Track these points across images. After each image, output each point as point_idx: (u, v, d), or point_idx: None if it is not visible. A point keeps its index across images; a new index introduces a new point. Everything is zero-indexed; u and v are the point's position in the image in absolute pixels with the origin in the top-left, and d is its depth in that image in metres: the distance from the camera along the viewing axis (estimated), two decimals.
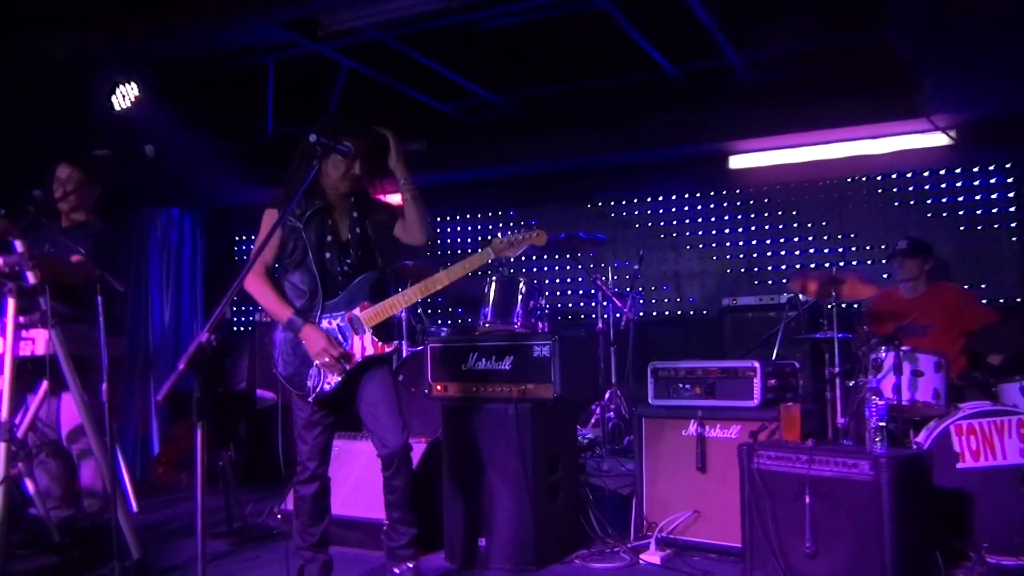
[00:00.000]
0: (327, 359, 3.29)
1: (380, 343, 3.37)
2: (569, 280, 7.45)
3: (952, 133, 6.05)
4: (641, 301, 6.84)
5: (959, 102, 5.69)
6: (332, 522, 3.57)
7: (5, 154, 5.72)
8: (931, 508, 3.50)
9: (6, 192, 4.00)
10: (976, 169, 6.20)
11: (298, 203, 3.32)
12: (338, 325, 3.38)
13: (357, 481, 4.39)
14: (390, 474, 3.41)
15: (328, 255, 3.41)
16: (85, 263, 3.96)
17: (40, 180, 4.30)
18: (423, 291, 3.43)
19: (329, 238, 3.42)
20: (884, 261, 6.32)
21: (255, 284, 3.40)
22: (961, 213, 6.22)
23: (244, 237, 8.65)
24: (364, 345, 3.36)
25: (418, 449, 4.36)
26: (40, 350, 3.75)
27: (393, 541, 3.48)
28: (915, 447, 3.92)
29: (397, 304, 3.42)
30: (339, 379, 3.34)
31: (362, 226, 3.46)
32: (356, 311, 3.38)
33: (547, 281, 7.41)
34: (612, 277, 6.34)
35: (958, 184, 6.26)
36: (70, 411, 4.01)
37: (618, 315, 6.18)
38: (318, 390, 3.36)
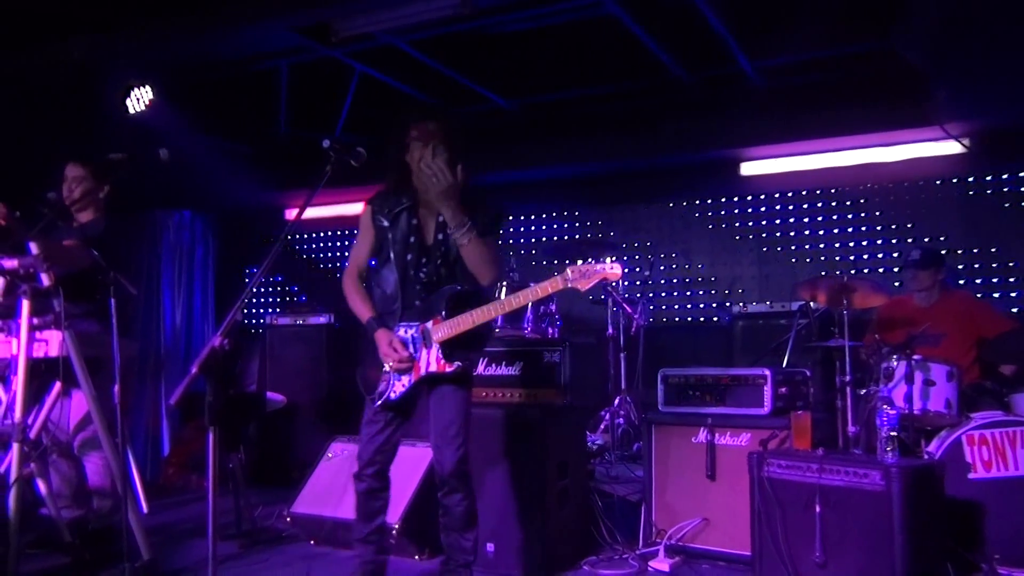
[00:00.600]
0: (391, 362, 3.26)
1: (443, 361, 3.22)
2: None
3: (965, 141, 6.03)
4: (651, 307, 6.84)
5: (973, 110, 5.67)
6: (348, 526, 3.54)
7: (21, 157, 5.78)
8: (942, 519, 3.48)
9: (21, 194, 4.04)
10: (989, 178, 6.17)
11: (387, 200, 3.31)
12: (412, 335, 3.28)
13: None
14: (442, 495, 3.34)
15: (409, 257, 3.30)
16: (77, 248, 3.94)
17: (55, 183, 4.34)
18: (496, 311, 3.26)
19: (412, 239, 3.30)
20: (896, 270, 6.31)
21: (344, 284, 3.43)
22: (973, 222, 6.19)
23: (256, 240, 8.69)
24: (428, 361, 3.25)
25: (428, 454, 4.36)
26: (53, 351, 3.77)
27: (445, 566, 3.41)
28: (926, 457, 3.90)
29: (465, 322, 3.20)
30: (404, 390, 3.28)
31: (448, 232, 3.26)
32: (429, 323, 3.25)
33: None
34: (623, 283, 6.34)
35: (971, 193, 6.23)
36: (78, 408, 4.03)
37: (628, 321, 6.18)
38: (385, 396, 3.32)
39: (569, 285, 3.16)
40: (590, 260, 3.13)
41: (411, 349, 3.27)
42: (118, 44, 5.43)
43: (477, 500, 3.64)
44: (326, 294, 8.33)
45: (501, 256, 3.29)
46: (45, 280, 3.70)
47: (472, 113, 6.98)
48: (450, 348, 3.23)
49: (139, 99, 5.79)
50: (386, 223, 3.32)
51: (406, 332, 3.29)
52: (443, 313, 3.23)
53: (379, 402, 3.33)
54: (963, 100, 5.48)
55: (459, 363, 3.21)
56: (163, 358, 7.59)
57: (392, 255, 3.32)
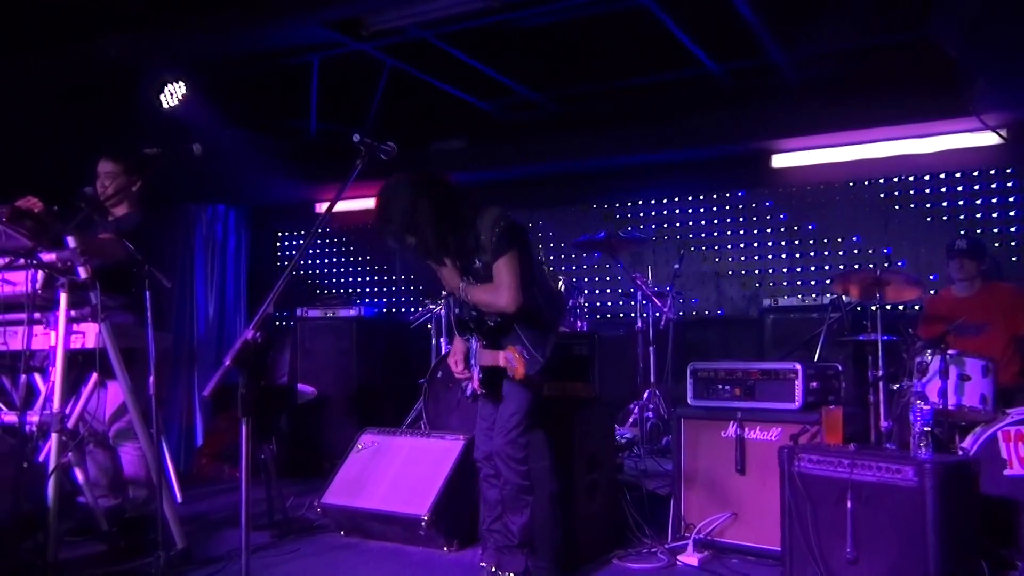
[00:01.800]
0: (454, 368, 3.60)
1: (477, 382, 3.49)
2: (609, 279, 7.42)
3: (1003, 132, 5.91)
4: (681, 301, 6.80)
5: (1010, 100, 5.56)
6: (377, 517, 3.64)
7: (57, 153, 5.88)
8: (977, 516, 3.43)
9: (58, 189, 4.11)
10: None
11: None
12: (474, 347, 3.52)
13: (396, 476, 4.43)
14: (487, 473, 3.60)
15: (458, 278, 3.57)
16: (113, 242, 4.00)
17: (90, 178, 4.41)
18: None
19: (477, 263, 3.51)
20: (930, 263, 6.22)
21: None
22: (1012, 214, 6.08)
23: (287, 233, 8.77)
24: (475, 377, 3.51)
25: (457, 446, 4.39)
26: (90, 343, 3.84)
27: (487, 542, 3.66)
28: (961, 453, 3.84)
29: (491, 359, 3.44)
30: (471, 390, 3.54)
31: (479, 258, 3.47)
32: (476, 343, 3.50)
33: (586, 280, 7.39)
34: (652, 276, 6.31)
35: (1009, 184, 6.11)
36: (114, 399, 4.10)
37: (658, 314, 6.16)
38: (466, 392, 3.61)
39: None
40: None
41: (472, 360, 3.52)
42: (152, 41, 5.50)
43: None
44: (356, 287, 8.40)
45: (509, 276, 3.35)
46: (82, 273, 3.76)
47: (501, 106, 6.98)
48: (487, 374, 3.46)
49: (173, 94, 5.87)
50: None
51: (474, 344, 3.52)
52: (484, 342, 3.46)
53: (468, 393, 3.60)
54: (1001, 90, 5.37)
55: (485, 390, 3.45)
56: (196, 350, 7.69)
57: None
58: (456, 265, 3.51)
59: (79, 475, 4.12)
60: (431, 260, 3.49)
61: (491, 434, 3.54)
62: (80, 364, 3.87)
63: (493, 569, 3.54)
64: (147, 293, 3.76)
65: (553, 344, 3.53)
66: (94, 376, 3.87)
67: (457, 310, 3.56)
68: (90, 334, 3.85)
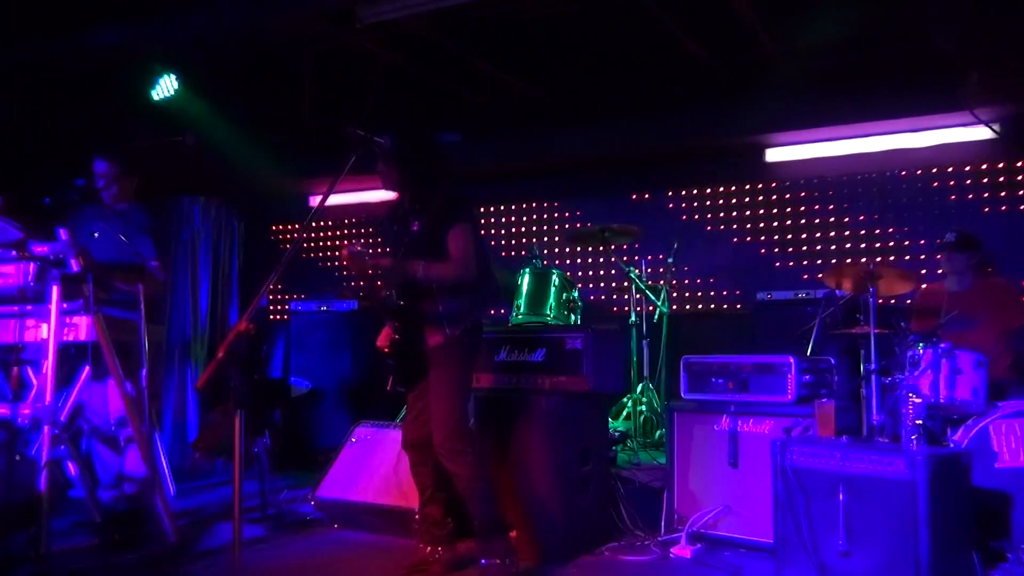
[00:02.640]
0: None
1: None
2: (602, 272, 7.43)
3: (996, 127, 5.92)
4: (675, 294, 6.80)
5: (1004, 95, 5.57)
6: (372, 511, 3.65)
7: (49, 144, 5.86)
8: (968, 508, 3.45)
9: (50, 181, 4.10)
10: (1020, 163, 6.07)
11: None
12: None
13: (390, 470, 4.43)
14: (415, 460, 3.68)
15: (390, 252, 3.62)
16: (151, 277, 4.12)
17: (82, 169, 4.39)
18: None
19: (392, 236, 3.66)
20: (923, 257, 6.23)
21: None
22: (1004, 208, 6.09)
23: (281, 227, 8.75)
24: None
25: None
26: (83, 336, 3.83)
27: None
28: (952, 446, 3.86)
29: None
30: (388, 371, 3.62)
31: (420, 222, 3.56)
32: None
33: (580, 273, 7.39)
34: (646, 270, 6.31)
35: (1001, 179, 6.13)
36: (118, 397, 4.09)
37: (651, 308, 6.16)
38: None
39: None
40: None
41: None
42: (144, 32, 5.47)
43: (499, 485, 3.67)
44: (350, 281, 8.39)
45: (468, 246, 3.48)
46: (75, 266, 3.75)
47: (496, 99, 6.97)
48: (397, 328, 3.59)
49: (165, 86, 5.84)
50: (386, 226, 3.78)
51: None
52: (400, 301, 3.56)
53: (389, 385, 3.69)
54: (994, 85, 5.38)
55: (387, 343, 3.58)
56: (189, 344, 7.67)
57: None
58: (397, 215, 3.63)
59: (71, 468, 4.11)
60: (393, 176, 3.55)
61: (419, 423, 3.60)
62: (73, 357, 3.86)
63: (482, 561, 3.53)
64: (140, 287, 3.75)
65: (473, 323, 3.60)
66: (87, 369, 3.87)
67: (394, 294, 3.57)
68: (83, 327, 3.84)
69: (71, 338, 3.81)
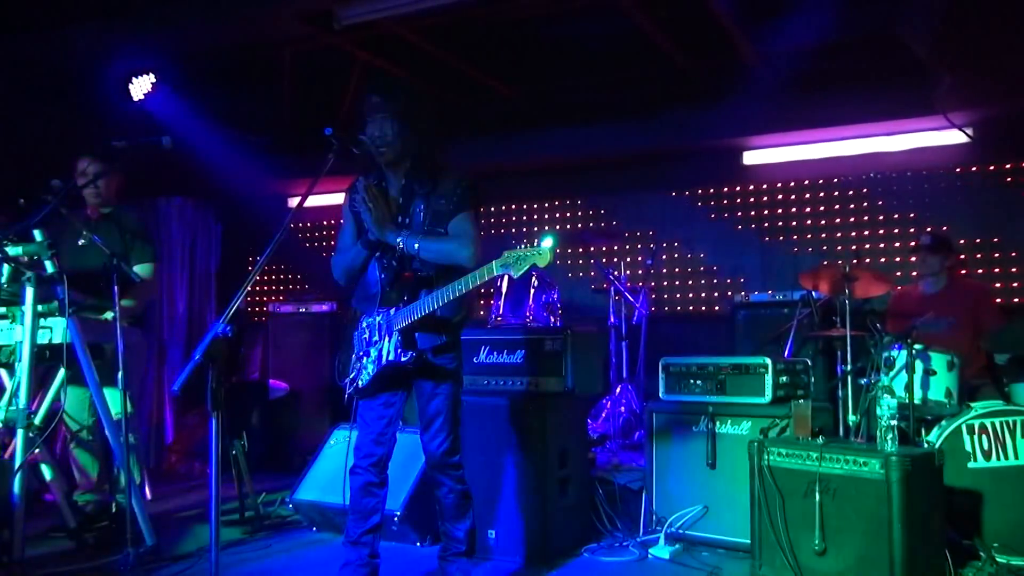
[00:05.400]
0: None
1: (399, 350, 3.10)
2: (582, 274, 7.45)
3: (969, 131, 6.01)
4: (653, 296, 6.84)
5: (976, 99, 5.65)
6: (343, 511, 3.52)
7: (25, 144, 5.79)
8: (941, 507, 3.49)
9: (26, 182, 4.05)
10: (992, 167, 6.15)
11: (357, 185, 3.26)
12: (379, 322, 3.18)
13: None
14: (432, 486, 3.35)
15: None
16: (151, 282, 4.08)
17: (59, 171, 4.34)
18: (444, 298, 3.04)
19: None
20: (898, 259, 6.30)
21: (333, 271, 3.45)
22: (977, 211, 6.18)
23: (259, 228, 8.68)
24: (389, 349, 3.13)
25: None
26: (57, 338, 3.79)
27: (443, 554, 3.37)
28: (926, 446, 3.91)
29: (420, 309, 3.08)
30: (370, 377, 3.18)
31: (411, 195, 3.19)
32: (392, 310, 3.15)
33: (559, 275, 7.41)
34: (625, 272, 6.34)
35: (973, 183, 6.21)
36: (114, 405, 4.04)
37: (631, 310, 6.19)
38: (354, 383, 3.26)
39: (500, 272, 2.96)
40: (524, 244, 3.01)
41: (376, 336, 3.18)
42: (121, 31, 5.43)
43: (479, 487, 3.65)
44: (329, 282, 8.35)
45: (474, 231, 3.15)
46: (49, 267, 3.71)
47: (473, 101, 6.97)
48: (408, 336, 3.12)
49: (142, 87, 5.80)
50: (359, 208, 3.23)
51: (375, 318, 3.20)
52: (404, 298, 3.13)
53: (349, 389, 3.27)
54: (967, 89, 5.46)
55: (412, 352, 3.10)
56: (166, 345, 7.61)
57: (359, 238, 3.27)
58: (396, 193, 3.24)
59: (46, 472, 4.07)
60: (390, 157, 3.16)
61: (384, 438, 3.23)
62: (48, 359, 3.82)
63: None
64: (115, 288, 3.72)
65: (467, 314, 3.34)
66: (62, 371, 3.83)
67: (394, 257, 3.16)
68: (58, 329, 3.80)
69: (46, 340, 3.78)
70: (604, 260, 6.80)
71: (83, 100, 5.95)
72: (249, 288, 2.74)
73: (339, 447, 4.67)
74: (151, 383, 7.40)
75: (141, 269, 4.38)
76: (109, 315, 3.94)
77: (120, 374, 3.71)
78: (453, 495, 3.27)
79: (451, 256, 3.11)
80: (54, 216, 3.92)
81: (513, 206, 7.72)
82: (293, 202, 8.28)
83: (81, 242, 4.01)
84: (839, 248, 6.55)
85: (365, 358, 3.22)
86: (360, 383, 3.23)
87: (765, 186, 6.86)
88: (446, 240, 3.14)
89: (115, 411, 3.99)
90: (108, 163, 4.35)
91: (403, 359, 3.11)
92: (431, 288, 3.11)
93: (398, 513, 4.09)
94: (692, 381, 4.34)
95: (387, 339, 3.15)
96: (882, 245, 6.44)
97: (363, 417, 3.30)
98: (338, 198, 7.82)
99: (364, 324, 3.25)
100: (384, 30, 5.48)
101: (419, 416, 3.28)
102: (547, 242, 3.12)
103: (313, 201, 7.77)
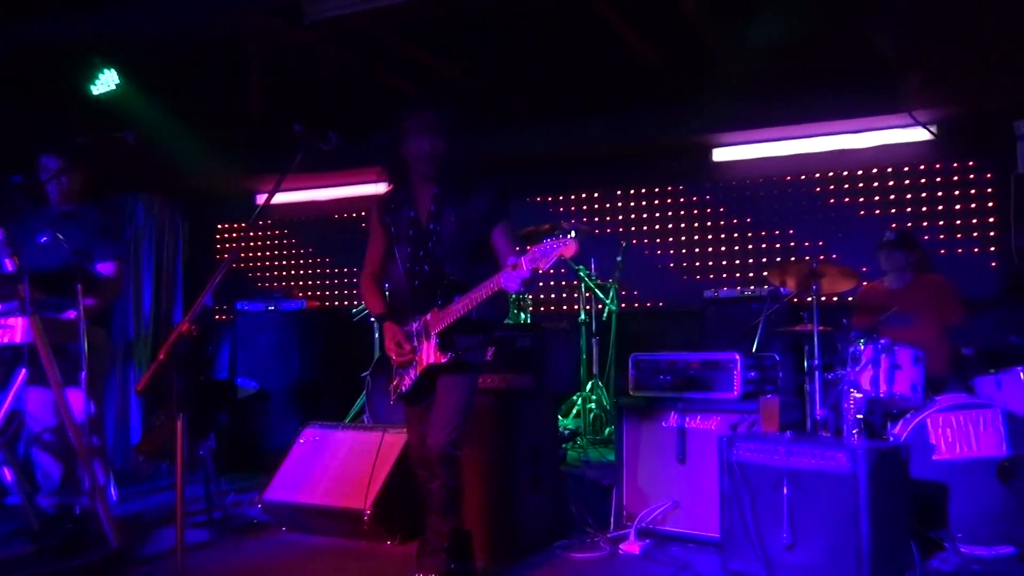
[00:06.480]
0: (394, 356, 3.32)
1: (438, 352, 3.22)
2: (552, 271, 7.41)
3: (933, 128, 6.09)
4: (623, 292, 6.86)
5: (941, 98, 5.73)
6: (320, 512, 3.52)
7: None
8: (907, 499, 3.54)
9: None
10: (956, 165, 6.25)
11: (389, 198, 3.39)
12: (416, 329, 3.30)
13: (339, 471, 4.39)
14: (424, 479, 3.36)
15: (410, 250, 3.33)
16: (116, 280, 4.04)
17: (21, 167, 4.26)
18: (476, 297, 3.14)
19: (411, 232, 3.33)
20: (864, 256, 6.38)
21: (361, 285, 3.55)
22: (941, 208, 6.27)
23: (226, 225, 8.60)
24: (428, 352, 3.26)
25: (400, 440, 4.35)
26: (19, 338, 3.72)
27: (422, 548, 3.42)
28: (892, 439, 3.96)
29: (455, 311, 3.18)
30: (411, 383, 3.32)
31: (441, 206, 3.28)
32: (428, 315, 3.26)
33: None
34: (594, 269, 6.35)
35: (938, 180, 6.30)
36: (78, 406, 3.97)
37: (600, 306, 6.20)
38: (398, 390, 3.39)
39: (531, 266, 3.03)
40: (547, 239, 3.06)
41: (415, 342, 3.30)
42: (84, 24, 5.33)
43: None
44: (297, 279, 8.29)
45: (513, 241, 3.30)
46: (9, 266, 3.64)
47: (438, 94, 6.92)
48: (447, 338, 3.23)
49: (106, 81, 5.69)
50: (389, 220, 3.37)
51: (412, 326, 3.33)
52: (439, 303, 3.23)
53: (393, 397, 3.41)
54: (932, 88, 5.54)
55: (451, 353, 3.21)
56: (131, 344, 7.51)
57: (397, 251, 3.36)
58: (427, 201, 3.32)
59: (7, 475, 3.99)
60: (433, 171, 3.28)
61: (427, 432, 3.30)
62: (8, 360, 3.75)
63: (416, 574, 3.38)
64: (78, 287, 3.66)
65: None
66: (23, 372, 3.76)
67: (425, 265, 3.28)
68: (19, 328, 3.72)
69: (6, 340, 3.70)
70: (574, 256, 6.79)
71: (45, 95, 5.84)
72: (215, 286, 2.71)
73: (309, 446, 4.64)
74: (117, 382, 7.31)
75: (105, 267, 4.31)
76: (72, 314, 3.87)
77: (83, 374, 3.64)
78: (445, 490, 3.31)
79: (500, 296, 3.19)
80: (16, 213, 3.85)
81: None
82: (261, 198, 8.20)
83: (43, 240, 3.93)
84: (807, 244, 6.61)
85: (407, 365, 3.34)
86: (403, 389, 3.36)
87: (734, 183, 6.91)
88: (480, 286, 3.13)
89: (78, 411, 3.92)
90: (71, 159, 4.27)
91: (443, 361, 3.23)
92: (464, 292, 3.19)
93: (369, 512, 4.06)
94: (662, 377, 4.36)
95: (426, 343, 3.27)
96: (850, 241, 6.51)
97: (409, 421, 3.45)
98: (308, 195, 7.85)
99: (403, 333, 3.33)
100: (351, 25, 5.43)
101: (435, 407, 3.32)
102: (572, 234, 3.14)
103: (282, 198, 7.80)
